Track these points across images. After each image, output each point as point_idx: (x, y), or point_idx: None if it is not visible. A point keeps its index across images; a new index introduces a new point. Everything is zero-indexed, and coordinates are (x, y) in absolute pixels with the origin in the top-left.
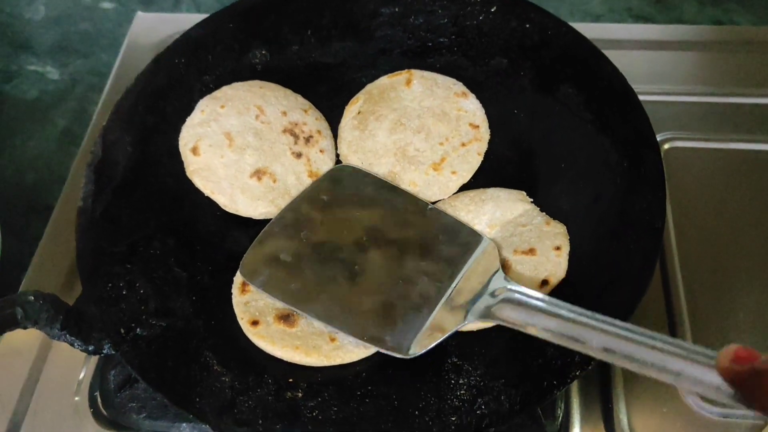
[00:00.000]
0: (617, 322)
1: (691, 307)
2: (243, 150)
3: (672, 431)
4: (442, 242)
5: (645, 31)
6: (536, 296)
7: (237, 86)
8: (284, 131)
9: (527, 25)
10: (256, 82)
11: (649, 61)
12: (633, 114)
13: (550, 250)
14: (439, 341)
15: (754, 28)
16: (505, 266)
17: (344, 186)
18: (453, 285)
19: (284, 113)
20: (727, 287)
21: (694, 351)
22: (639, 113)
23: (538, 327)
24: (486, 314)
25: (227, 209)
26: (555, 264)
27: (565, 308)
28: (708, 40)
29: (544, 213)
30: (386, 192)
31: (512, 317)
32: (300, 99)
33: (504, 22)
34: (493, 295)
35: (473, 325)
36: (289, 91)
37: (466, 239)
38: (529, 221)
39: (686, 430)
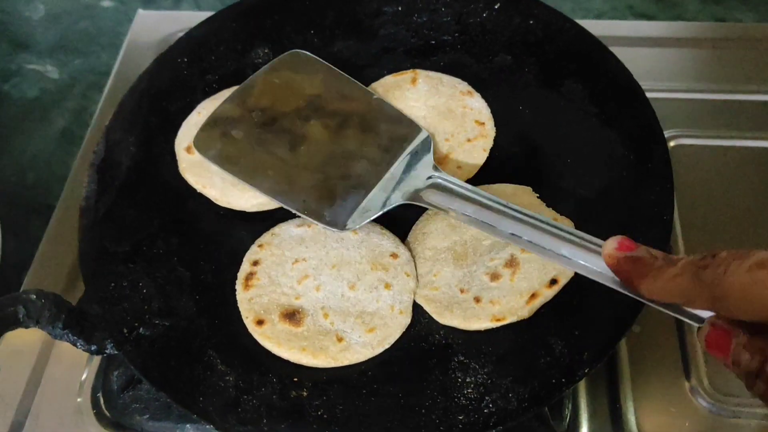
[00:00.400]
0: (525, 210)
1: None
2: None
3: (680, 430)
4: (383, 130)
5: (647, 28)
6: (460, 184)
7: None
8: None
9: (531, 21)
10: None
11: (652, 58)
12: (638, 107)
13: None
14: (371, 218)
15: (756, 25)
16: (512, 263)
17: (297, 70)
18: (389, 170)
19: None
20: None
21: (585, 239)
22: (644, 106)
23: (457, 211)
24: (413, 197)
25: (219, 203)
26: None
27: (483, 197)
28: (711, 37)
29: (550, 209)
30: (336, 80)
31: (436, 201)
32: None
33: (507, 18)
34: (422, 180)
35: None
36: None
37: (405, 129)
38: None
39: (695, 429)
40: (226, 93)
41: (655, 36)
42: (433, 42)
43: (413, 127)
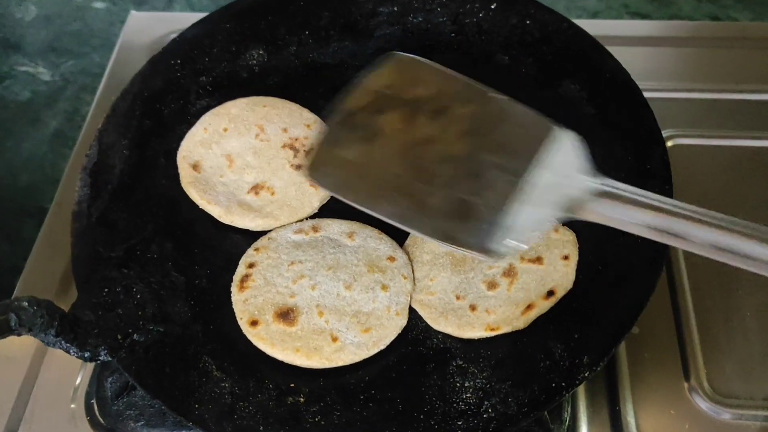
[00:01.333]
0: (723, 216)
1: (697, 307)
2: (242, 170)
3: None
4: (510, 132)
5: (643, 27)
6: (634, 191)
7: (240, 104)
8: (283, 146)
9: (527, 22)
10: (261, 99)
11: (649, 57)
12: (636, 108)
13: (558, 259)
14: (524, 240)
15: (751, 24)
16: (510, 273)
17: (402, 76)
18: (526, 177)
19: (285, 130)
20: (733, 286)
21: None
22: (642, 107)
23: (634, 222)
24: (572, 209)
25: (222, 220)
26: (562, 274)
27: (663, 201)
28: (707, 36)
29: None
30: (446, 81)
31: (605, 213)
32: (305, 114)
33: (504, 19)
34: (579, 189)
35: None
36: (295, 107)
37: (538, 129)
38: None
39: (695, 431)
40: (231, 108)
41: (652, 35)
42: (430, 43)
43: (547, 127)
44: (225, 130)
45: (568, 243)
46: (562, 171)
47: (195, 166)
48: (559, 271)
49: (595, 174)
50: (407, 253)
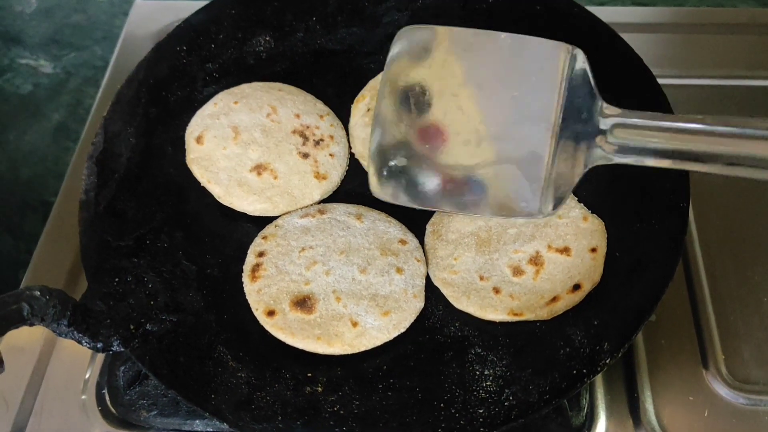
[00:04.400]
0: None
1: (714, 293)
2: (247, 145)
3: (699, 419)
4: (526, 70)
5: (650, 14)
6: (643, 114)
7: (256, 86)
8: (294, 132)
9: (537, 7)
10: (277, 84)
11: (657, 44)
12: (650, 92)
13: (586, 251)
14: (568, 196)
15: (759, 10)
16: (537, 260)
17: (413, 52)
18: (555, 117)
19: (297, 116)
20: (749, 273)
21: None
22: (656, 91)
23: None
24: (604, 159)
25: (221, 201)
26: (589, 267)
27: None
28: (715, 22)
29: (582, 204)
30: (457, 39)
31: (629, 159)
32: (319, 105)
33: (513, 3)
34: (605, 138)
35: None
36: (309, 96)
37: (547, 55)
38: (566, 213)
39: (713, 418)
40: (245, 88)
41: (660, 22)
42: None
43: (553, 48)
44: (236, 103)
45: (596, 233)
46: (581, 104)
47: (199, 138)
48: (587, 264)
49: (605, 107)
50: (433, 231)
